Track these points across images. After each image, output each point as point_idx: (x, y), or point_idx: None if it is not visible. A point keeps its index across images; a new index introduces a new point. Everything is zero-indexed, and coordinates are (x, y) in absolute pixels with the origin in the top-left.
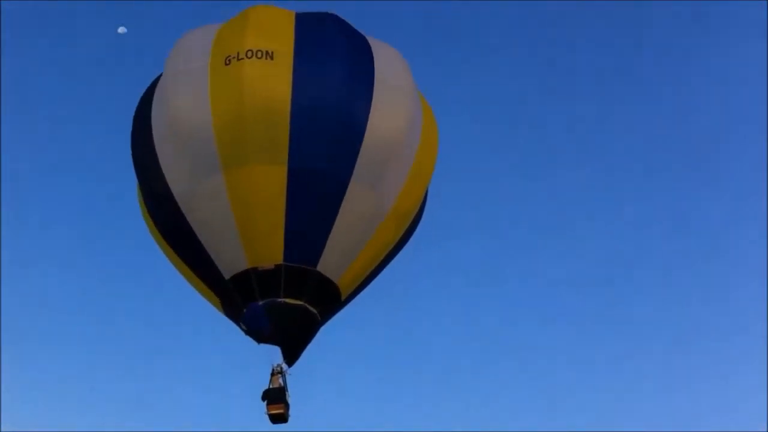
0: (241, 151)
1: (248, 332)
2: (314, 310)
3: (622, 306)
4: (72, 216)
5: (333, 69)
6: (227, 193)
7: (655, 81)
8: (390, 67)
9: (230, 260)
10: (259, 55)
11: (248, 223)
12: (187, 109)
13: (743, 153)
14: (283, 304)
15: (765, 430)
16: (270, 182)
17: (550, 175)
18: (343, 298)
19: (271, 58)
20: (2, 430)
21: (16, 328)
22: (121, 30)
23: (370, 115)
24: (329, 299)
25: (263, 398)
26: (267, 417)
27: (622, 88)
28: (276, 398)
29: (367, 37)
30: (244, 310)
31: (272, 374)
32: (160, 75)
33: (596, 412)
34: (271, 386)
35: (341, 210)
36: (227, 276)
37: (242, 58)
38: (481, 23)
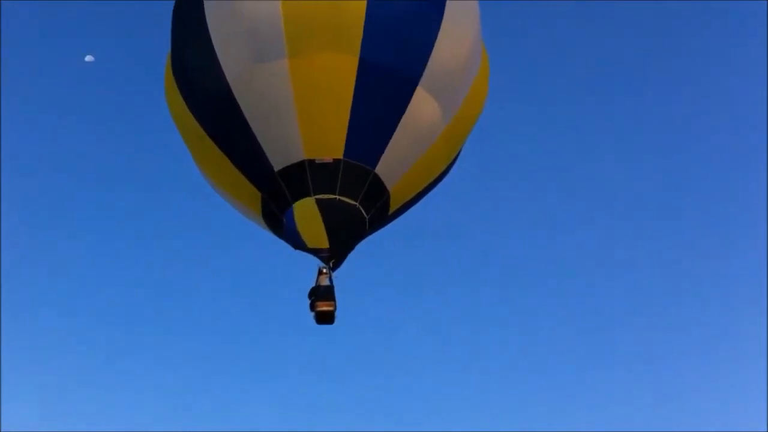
0: (311, 37)
1: (290, 235)
2: (365, 216)
3: (621, 305)
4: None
5: None
6: (291, 77)
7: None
8: None
9: (284, 150)
10: None
11: (311, 111)
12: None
13: (743, 153)
14: (338, 201)
15: (765, 430)
16: (339, 71)
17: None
18: (390, 211)
19: None
20: (2, 430)
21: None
22: (89, 58)
23: (442, 24)
24: (379, 209)
25: (310, 295)
26: (313, 315)
27: (620, 89)
28: (325, 295)
29: None
30: (292, 207)
31: (319, 273)
32: None
33: (595, 412)
34: (318, 284)
35: (406, 112)
36: (278, 167)
37: None
38: None
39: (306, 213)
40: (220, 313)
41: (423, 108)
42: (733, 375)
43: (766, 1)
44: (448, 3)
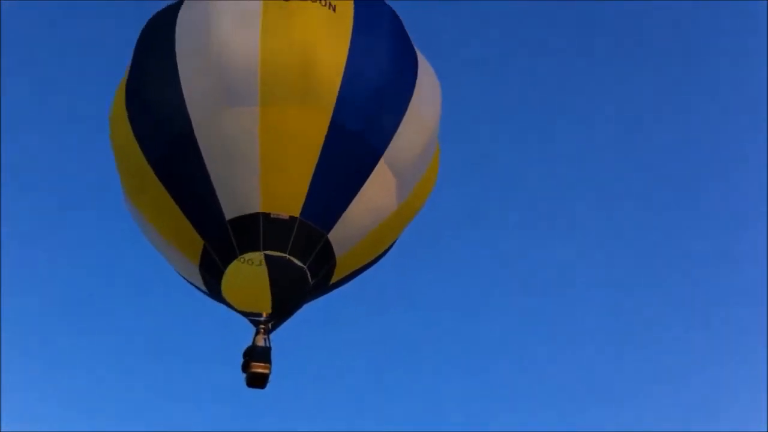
0: (286, 89)
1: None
2: (310, 281)
3: (620, 303)
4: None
5: (387, 47)
6: (259, 126)
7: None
8: (428, 75)
9: (239, 199)
10: (323, 2)
11: (275, 164)
12: (229, 34)
13: (743, 153)
14: (287, 260)
15: (765, 430)
16: (309, 128)
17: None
18: (331, 281)
19: (333, 10)
20: (2, 430)
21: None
22: None
23: (410, 105)
24: (322, 277)
25: (245, 355)
26: (244, 377)
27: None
28: (261, 356)
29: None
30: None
31: (257, 333)
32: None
33: (594, 411)
34: (255, 344)
35: (366, 183)
36: (229, 216)
37: None
38: None
39: (249, 270)
40: None
41: (382, 182)
42: (733, 375)
43: (766, 1)
44: (417, 85)
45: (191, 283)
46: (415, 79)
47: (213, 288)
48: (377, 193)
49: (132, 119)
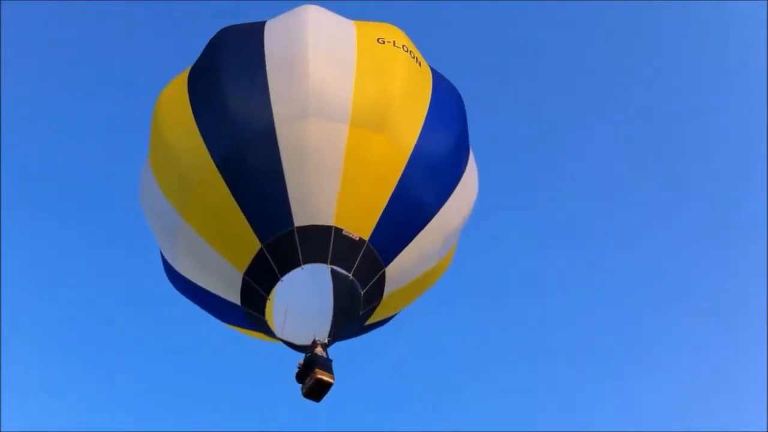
0: (377, 118)
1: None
2: (360, 311)
3: (620, 305)
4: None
5: (456, 117)
6: (346, 144)
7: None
8: (473, 161)
9: (313, 209)
10: (411, 55)
11: (355, 183)
12: (325, 60)
13: (742, 153)
14: (352, 282)
15: (765, 430)
16: (390, 159)
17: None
18: (368, 322)
19: (420, 64)
20: (2, 430)
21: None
22: None
23: (462, 178)
24: (364, 312)
25: (307, 363)
26: (305, 385)
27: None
28: (326, 366)
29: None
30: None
31: (314, 345)
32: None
33: (594, 411)
34: (316, 354)
35: (423, 231)
36: (299, 223)
37: (397, 47)
38: None
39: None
40: None
41: (433, 235)
42: (733, 375)
43: (766, 1)
44: (468, 163)
45: (216, 296)
46: (468, 156)
47: (252, 299)
48: (428, 244)
49: (196, 107)
